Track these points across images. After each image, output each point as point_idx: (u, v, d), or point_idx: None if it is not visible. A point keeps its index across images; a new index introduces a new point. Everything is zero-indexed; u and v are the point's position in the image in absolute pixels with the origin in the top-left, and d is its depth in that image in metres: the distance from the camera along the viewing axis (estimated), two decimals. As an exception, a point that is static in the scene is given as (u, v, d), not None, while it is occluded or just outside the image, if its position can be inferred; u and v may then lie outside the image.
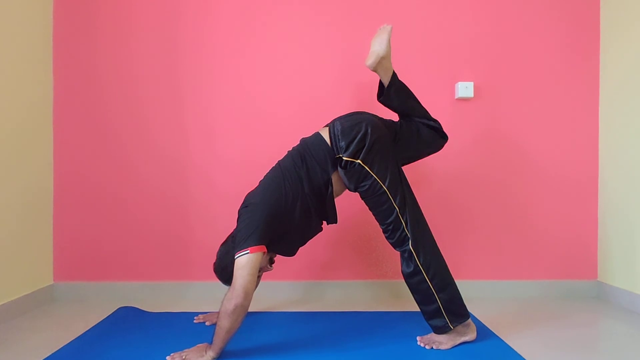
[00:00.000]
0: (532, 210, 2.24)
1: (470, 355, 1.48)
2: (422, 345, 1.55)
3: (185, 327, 1.74)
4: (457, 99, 2.23)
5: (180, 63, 2.21)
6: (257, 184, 1.62)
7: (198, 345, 1.45)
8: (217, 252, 1.64)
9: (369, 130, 1.51)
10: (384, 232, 1.58)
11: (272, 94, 2.22)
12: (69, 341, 1.57)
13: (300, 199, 1.52)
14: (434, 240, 1.59)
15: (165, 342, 1.55)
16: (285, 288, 2.19)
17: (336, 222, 1.66)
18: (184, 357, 1.39)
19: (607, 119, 2.20)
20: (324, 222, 1.68)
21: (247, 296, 1.37)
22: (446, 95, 2.23)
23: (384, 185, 1.51)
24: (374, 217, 1.62)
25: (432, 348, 1.53)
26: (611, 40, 2.17)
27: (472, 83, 2.20)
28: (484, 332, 1.67)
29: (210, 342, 1.41)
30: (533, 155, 2.24)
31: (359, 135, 1.50)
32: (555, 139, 2.24)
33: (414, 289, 1.56)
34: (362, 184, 1.52)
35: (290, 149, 1.66)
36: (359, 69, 2.22)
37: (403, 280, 1.70)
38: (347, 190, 1.64)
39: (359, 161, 1.49)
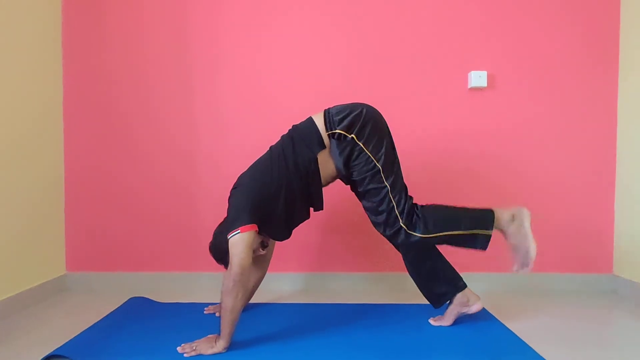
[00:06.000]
0: (547, 203, 2.19)
1: (481, 348, 1.46)
2: (520, 270, 1.53)
3: (195, 317, 1.75)
4: (470, 89, 2.18)
5: (190, 55, 2.20)
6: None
7: (208, 336, 1.46)
8: (214, 231, 1.67)
9: (364, 111, 1.54)
10: (373, 212, 1.55)
11: (283, 83, 2.20)
12: (81, 330, 1.59)
13: (286, 180, 1.53)
14: (438, 207, 1.58)
15: (176, 333, 1.56)
16: (288, 280, 2.19)
17: (322, 209, 1.66)
18: (194, 348, 1.40)
19: (625, 111, 2.13)
20: (311, 210, 1.68)
21: (244, 272, 1.39)
22: (459, 84, 2.19)
23: (378, 163, 1.51)
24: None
25: (529, 268, 1.51)
26: (631, 30, 2.10)
27: (485, 72, 2.15)
28: (496, 326, 1.65)
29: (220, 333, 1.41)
30: (548, 147, 2.19)
31: (354, 113, 1.53)
32: (571, 131, 2.18)
33: (427, 246, 1.57)
34: (355, 162, 1.52)
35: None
36: (370, 60, 2.19)
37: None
38: (339, 181, 1.64)
39: (352, 135, 1.50)
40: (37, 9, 2.02)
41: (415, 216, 1.51)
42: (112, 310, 1.82)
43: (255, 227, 1.45)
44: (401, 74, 2.19)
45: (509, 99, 2.19)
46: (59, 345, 1.43)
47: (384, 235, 1.57)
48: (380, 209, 1.52)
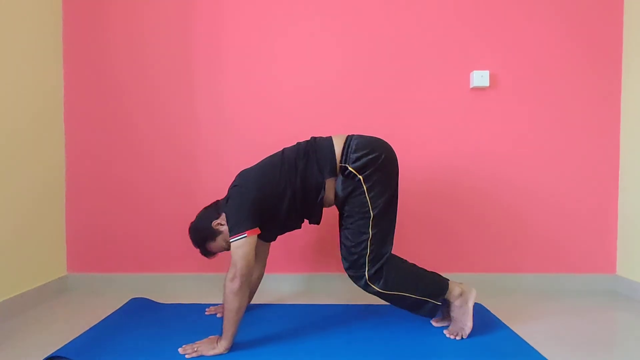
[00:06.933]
0: (549, 203, 2.18)
1: (485, 349, 1.45)
2: (451, 337, 1.54)
3: (197, 318, 1.74)
4: (472, 89, 2.18)
5: (192, 52, 2.19)
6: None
7: (210, 337, 1.45)
8: (198, 213, 1.66)
9: (383, 157, 1.53)
10: (346, 249, 1.55)
11: (285, 82, 2.19)
12: (82, 332, 1.58)
13: (291, 192, 1.53)
14: (402, 266, 1.57)
15: (177, 334, 1.55)
16: (288, 281, 2.19)
17: (318, 224, 1.67)
18: (195, 349, 1.40)
19: (629, 110, 2.13)
20: (306, 221, 1.69)
21: (250, 273, 1.43)
22: (460, 84, 2.18)
23: (372, 211, 1.51)
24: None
25: (462, 338, 1.52)
26: (635, 29, 2.09)
27: (487, 72, 2.14)
28: (498, 326, 1.64)
29: (221, 334, 1.41)
30: (551, 146, 2.18)
31: (372, 156, 1.52)
32: (574, 130, 2.18)
33: (381, 298, 1.57)
34: (353, 200, 1.52)
35: (301, 140, 1.66)
36: (372, 59, 2.18)
37: None
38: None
39: (360, 177, 1.50)
40: (37, 6, 2.01)
41: (381, 272, 1.52)
42: (113, 311, 1.81)
43: (258, 230, 1.46)
44: (402, 72, 2.18)
45: (511, 99, 2.18)
46: (60, 346, 1.42)
47: (345, 270, 1.58)
48: (353, 250, 1.53)
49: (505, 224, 2.19)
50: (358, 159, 1.51)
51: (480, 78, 2.13)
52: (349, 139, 1.56)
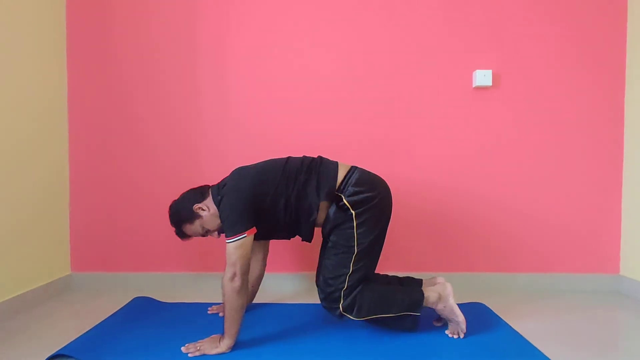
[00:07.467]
0: (553, 203, 2.17)
1: (487, 348, 1.45)
2: (455, 336, 1.54)
3: (199, 317, 1.75)
4: (474, 88, 2.17)
5: (197, 52, 2.19)
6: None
7: (212, 336, 1.46)
8: (183, 193, 1.65)
9: (378, 199, 1.54)
10: (324, 279, 1.54)
11: (289, 80, 2.18)
12: (85, 330, 1.59)
13: (284, 200, 1.53)
14: (373, 289, 1.55)
15: (180, 333, 1.56)
16: (290, 280, 2.19)
17: (310, 242, 1.65)
18: (198, 348, 1.41)
19: (633, 109, 2.11)
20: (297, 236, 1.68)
21: (248, 272, 1.45)
22: (463, 83, 2.17)
23: (357, 247, 1.51)
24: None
25: (464, 335, 1.53)
26: (638, 31, 2.08)
27: (490, 71, 2.13)
28: (500, 325, 1.64)
29: (223, 333, 1.42)
30: (554, 145, 2.17)
31: (368, 194, 1.52)
32: (577, 129, 2.16)
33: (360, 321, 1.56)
34: (341, 232, 1.52)
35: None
36: (375, 58, 2.18)
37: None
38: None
39: (353, 212, 1.50)
40: (40, 5, 2.01)
41: (354, 301, 1.51)
42: (116, 310, 1.82)
43: (255, 229, 1.48)
44: (405, 71, 2.17)
45: (514, 98, 2.17)
46: (64, 345, 1.43)
47: (320, 300, 1.57)
48: (331, 282, 1.52)
49: (507, 223, 2.18)
50: (355, 193, 1.51)
51: (483, 77, 2.12)
52: (351, 170, 1.57)
